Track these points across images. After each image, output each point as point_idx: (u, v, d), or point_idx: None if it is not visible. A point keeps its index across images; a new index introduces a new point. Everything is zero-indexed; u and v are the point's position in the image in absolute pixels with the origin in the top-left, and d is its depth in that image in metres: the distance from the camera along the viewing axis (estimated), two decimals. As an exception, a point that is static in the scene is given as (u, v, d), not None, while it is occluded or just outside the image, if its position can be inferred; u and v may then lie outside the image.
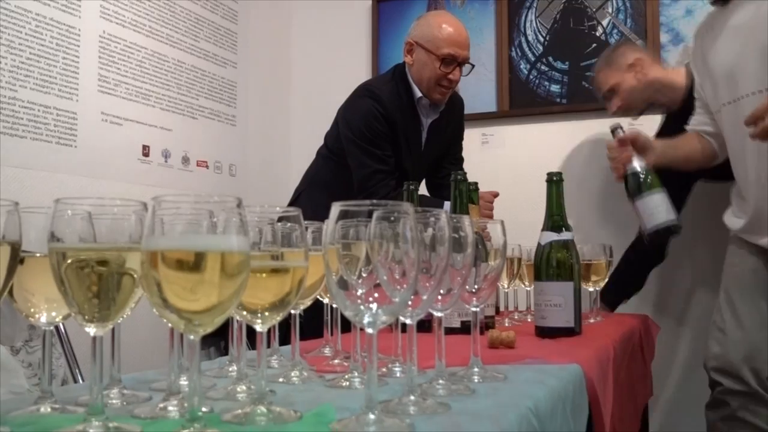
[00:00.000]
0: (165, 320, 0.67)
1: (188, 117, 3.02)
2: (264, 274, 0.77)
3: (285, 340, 1.33)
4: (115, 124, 2.66)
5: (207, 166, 3.13)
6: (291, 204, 2.65)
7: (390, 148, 2.41)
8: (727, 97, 2.00)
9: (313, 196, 2.55)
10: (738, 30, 1.96)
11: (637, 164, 2.06)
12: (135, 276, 0.72)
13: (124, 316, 0.86)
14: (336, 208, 0.76)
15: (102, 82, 2.61)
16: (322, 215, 2.24)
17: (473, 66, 2.50)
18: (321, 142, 2.69)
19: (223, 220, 0.66)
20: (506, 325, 1.90)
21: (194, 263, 0.63)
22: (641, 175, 2.04)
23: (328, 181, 2.55)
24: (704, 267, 2.82)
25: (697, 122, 2.21)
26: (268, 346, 1.24)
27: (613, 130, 2.16)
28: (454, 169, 2.72)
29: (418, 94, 2.46)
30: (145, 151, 2.79)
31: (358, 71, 3.42)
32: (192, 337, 0.65)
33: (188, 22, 3.04)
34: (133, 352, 1.68)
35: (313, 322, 1.26)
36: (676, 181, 2.51)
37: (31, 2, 2.35)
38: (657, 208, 2.00)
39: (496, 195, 2.42)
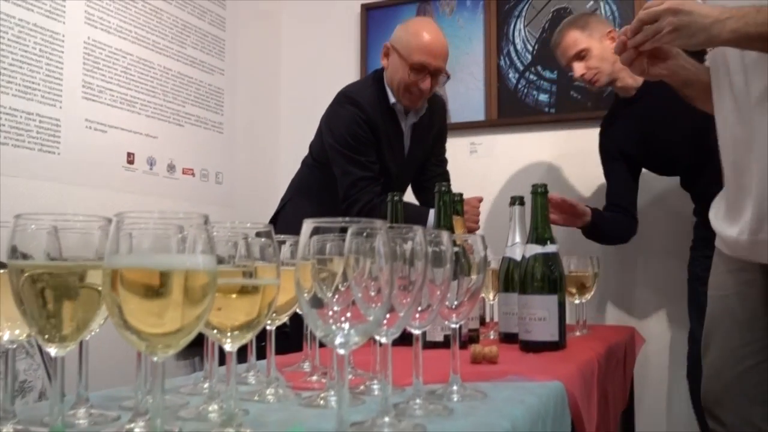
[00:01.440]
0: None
1: (174, 124, 3.00)
2: (233, 294, 0.74)
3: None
4: (99, 131, 2.63)
5: (193, 174, 3.10)
6: (277, 213, 2.63)
7: (374, 154, 2.39)
8: None
9: (299, 206, 2.53)
10: None
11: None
12: (100, 293, 0.69)
13: (92, 333, 0.85)
14: (308, 225, 0.74)
15: (86, 89, 2.58)
16: None
17: (448, 77, 2.47)
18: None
19: (188, 238, 0.64)
20: (491, 337, 1.88)
21: (156, 283, 0.60)
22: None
23: (314, 190, 2.54)
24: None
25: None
26: (245, 361, 1.22)
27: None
28: (438, 170, 2.71)
29: (392, 98, 2.45)
30: (130, 158, 2.77)
31: (347, 78, 3.40)
32: (155, 359, 0.63)
33: (175, 28, 3.02)
34: (107, 365, 1.65)
35: (301, 333, 1.25)
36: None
37: (14, 7, 2.33)
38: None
39: (480, 200, 2.41)
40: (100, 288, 0.67)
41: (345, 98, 2.46)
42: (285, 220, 2.52)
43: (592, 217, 2.43)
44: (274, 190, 3.29)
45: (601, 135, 2.68)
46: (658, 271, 2.89)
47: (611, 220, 2.52)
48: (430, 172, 2.66)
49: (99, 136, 2.63)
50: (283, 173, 3.24)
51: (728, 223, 1.59)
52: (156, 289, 0.60)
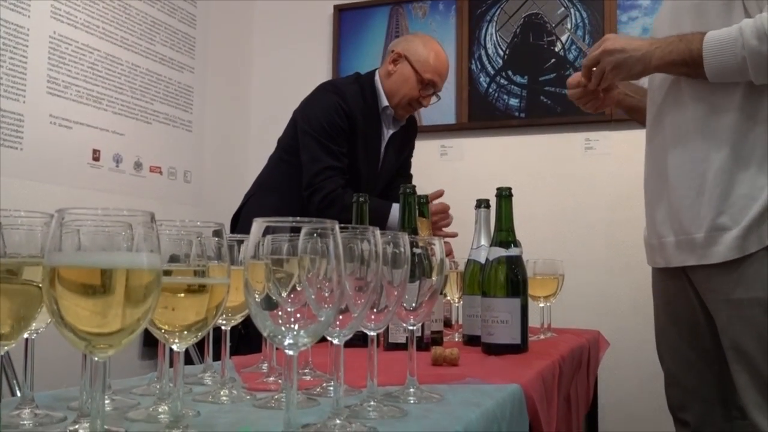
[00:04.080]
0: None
1: (142, 122, 2.96)
2: (181, 294, 0.73)
3: (236, 350, 1.28)
4: (63, 127, 2.59)
5: (161, 172, 3.06)
6: (240, 209, 2.60)
7: (346, 147, 2.38)
8: None
9: (263, 201, 2.51)
10: None
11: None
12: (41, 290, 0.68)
13: (38, 332, 0.83)
14: (259, 225, 0.73)
15: (51, 84, 2.54)
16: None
17: (439, 98, 2.55)
18: (280, 149, 2.65)
19: (133, 236, 0.63)
20: (456, 339, 1.88)
21: (96, 282, 0.59)
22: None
23: (279, 185, 2.51)
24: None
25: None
26: (202, 361, 1.20)
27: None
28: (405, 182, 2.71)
29: (385, 103, 2.45)
30: (96, 155, 2.73)
31: (319, 78, 3.37)
32: (96, 359, 0.62)
33: (144, 25, 2.98)
34: (58, 365, 1.61)
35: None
36: None
37: (-23, 0, 2.28)
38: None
39: (447, 208, 2.41)
40: (38, 287, 0.65)
41: (329, 86, 2.46)
42: (247, 216, 2.47)
43: None
44: (243, 190, 3.26)
45: None
46: (624, 273, 2.91)
47: None
48: (397, 183, 2.65)
49: (64, 132, 2.59)
50: (253, 172, 3.21)
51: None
52: (96, 287, 0.58)
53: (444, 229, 2.39)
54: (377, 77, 2.49)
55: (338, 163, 2.35)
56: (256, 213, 2.25)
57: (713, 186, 1.50)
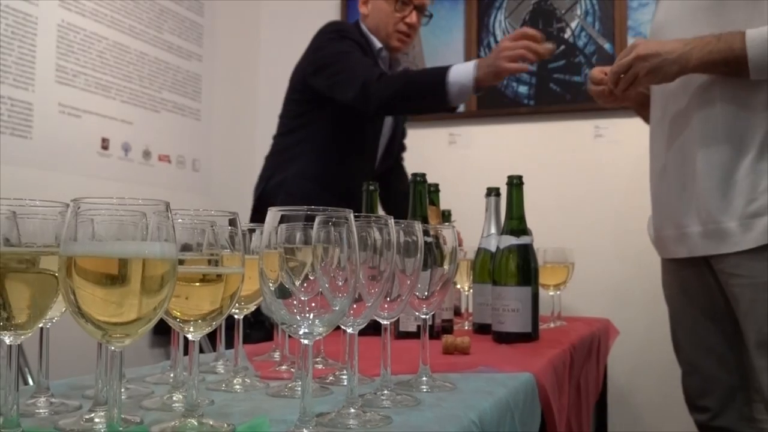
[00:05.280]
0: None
1: (150, 110, 2.96)
2: (196, 283, 0.73)
3: (247, 339, 1.28)
4: (73, 116, 2.59)
5: (169, 161, 3.06)
6: (263, 190, 2.42)
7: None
8: None
9: (297, 174, 2.31)
10: None
11: None
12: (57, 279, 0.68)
13: (53, 320, 0.83)
14: (274, 214, 0.73)
15: (60, 73, 2.54)
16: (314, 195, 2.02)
17: (431, 16, 2.43)
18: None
19: (148, 226, 0.62)
20: (465, 328, 1.88)
21: (113, 271, 0.59)
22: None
23: (309, 153, 2.32)
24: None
25: None
26: (214, 349, 1.21)
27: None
28: (398, 162, 2.62)
29: (378, 45, 2.36)
30: (105, 144, 2.73)
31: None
32: (113, 348, 0.62)
33: (152, 13, 2.98)
34: (73, 352, 1.62)
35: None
36: None
37: (-15, -12, 2.28)
38: None
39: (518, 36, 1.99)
40: (54, 276, 0.65)
41: (336, 25, 2.39)
42: (287, 194, 2.28)
43: None
44: (251, 178, 3.26)
45: None
46: (634, 261, 2.90)
47: None
48: (389, 156, 2.57)
49: (73, 121, 2.59)
50: (261, 161, 3.22)
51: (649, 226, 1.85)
52: (113, 277, 0.58)
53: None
54: (362, 25, 2.41)
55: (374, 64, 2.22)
56: (283, 184, 2.19)
57: (743, 177, 1.54)
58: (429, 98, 2.13)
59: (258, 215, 2.28)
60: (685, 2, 1.66)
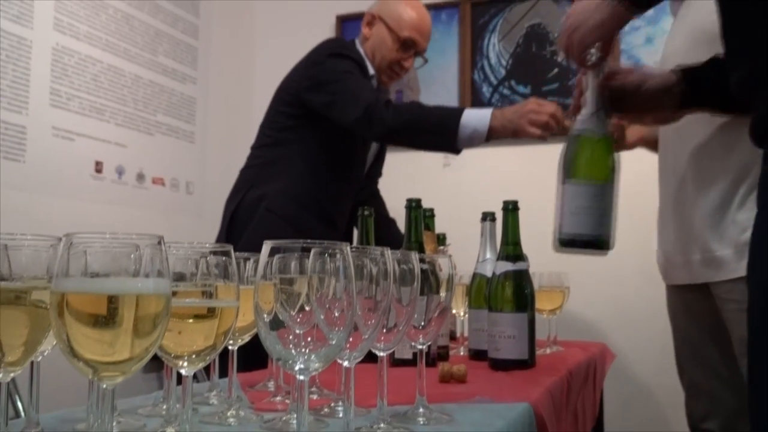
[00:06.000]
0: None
1: (144, 133, 2.95)
2: (189, 319, 0.72)
3: (242, 367, 1.26)
4: (66, 140, 2.58)
5: (163, 184, 3.05)
6: (239, 202, 2.29)
7: None
8: None
9: (276, 186, 2.23)
10: (681, 20, 1.74)
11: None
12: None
13: (44, 353, 0.81)
14: (268, 246, 0.72)
15: (54, 96, 2.53)
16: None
17: (426, 60, 2.38)
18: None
19: (142, 261, 0.61)
20: (461, 353, 1.86)
21: (105, 310, 0.58)
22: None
23: (294, 167, 2.24)
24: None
25: None
26: (208, 377, 1.19)
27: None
28: (372, 187, 2.56)
29: (371, 70, 2.31)
30: (98, 167, 2.72)
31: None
32: (104, 386, 0.60)
33: (147, 36, 2.98)
34: (63, 384, 1.60)
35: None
36: None
37: (-21, 12, 2.28)
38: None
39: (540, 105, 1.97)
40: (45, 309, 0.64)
41: (337, 44, 2.36)
42: (267, 209, 2.20)
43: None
44: (245, 201, 3.26)
45: None
46: (629, 284, 2.90)
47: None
48: (369, 182, 2.53)
49: (66, 145, 2.58)
50: (255, 184, 3.21)
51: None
52: (105, 315, 0.57)
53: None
54: (357, 43, 2.36)
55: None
56: (263, 199, 2.11)
57: (737, 207, 1.54)
58: (438, 136, 2.07)
59: (232, 229, 2.22)
60: (687, 36, 1.67)
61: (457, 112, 2.02)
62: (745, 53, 1.10)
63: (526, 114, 1.92)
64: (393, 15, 2.28)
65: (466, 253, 2.01)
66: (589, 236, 1.33)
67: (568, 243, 1.35)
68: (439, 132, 2.04)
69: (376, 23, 2.32)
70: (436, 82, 3.28)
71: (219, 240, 2.22)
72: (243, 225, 2.19)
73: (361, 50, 2.34)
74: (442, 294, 1.06)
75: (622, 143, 1.79)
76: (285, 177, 2.23)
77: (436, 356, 1.58)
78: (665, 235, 1.80)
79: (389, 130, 2.06)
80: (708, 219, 1.59)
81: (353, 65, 2.21)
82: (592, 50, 1.36)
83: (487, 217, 1.87)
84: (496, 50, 3.24)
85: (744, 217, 1.54)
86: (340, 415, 1.00)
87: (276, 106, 2.36)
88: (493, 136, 1.99)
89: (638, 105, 1.50)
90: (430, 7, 3.37)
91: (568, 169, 1.38)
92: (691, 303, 1.76)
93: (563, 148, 1.44)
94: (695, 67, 1.44)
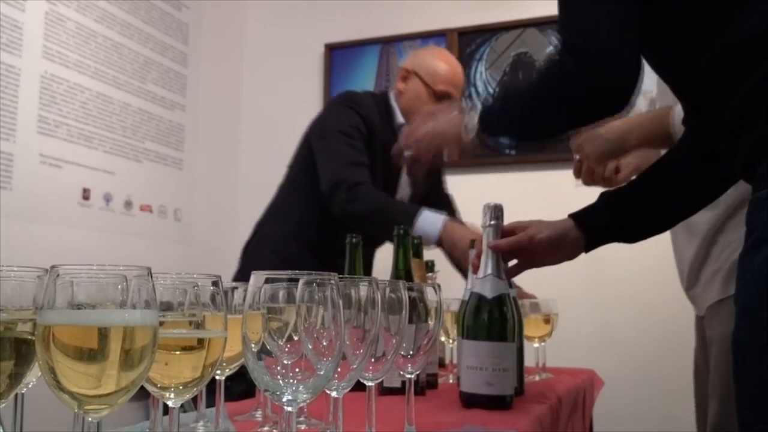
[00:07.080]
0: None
1: (132, 160, 2.95)
2: (177, 350, 0.71)
3: (228, 391, 1.25)
4: (54, 167, 2.57)
5: (151, 211, 3.05)
6: (252, 238, 2.42)
7: (366, 154, 2.24)
8: None
9: (276, 228, 2.34)
10: None
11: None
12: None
13: (29, 385, 0.81)
14: (258, 277, 0.72)
15: (42, 124, 2.53)
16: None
17: None
18: (270, 187, 2.61)
19: (129, 293, 0.61)
20: (450, 381, 1.85)
21: (92, 342, 0.57)
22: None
23: (293, 210, 2.35)
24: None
25: None
26: (195, 406, 1.18)
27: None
28: (440, 197, 2.56)
29: (401, 119, 2.35)
30: (86, 194, 2.71)
31: (310, 116, 3.39)
32: (89, 419, 0.60)
33: (136, 64, 2.99)
34: (52, 409, 1.58)
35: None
36: None
37: (-32, 40, 2.28)
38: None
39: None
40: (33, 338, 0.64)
41: (345, 95, 2.39)
42: (260, 244, 2.34)
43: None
44: (233, 228, 3.25)
45: None
46: (615, 309, 2.90)
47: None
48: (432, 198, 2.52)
49: (54, 172, 2.57)
50: (243, 211, 3.21)
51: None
52: (91, 348, 0.57)
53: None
54: (391, 95, 2.42)
55: (362, 159, 2.20)
56: (270, 240, 2.11)
57: (715, 243, 1.60)
58: (389, 234, 2.09)
59: (243, 268, 2.28)
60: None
61: (413, 212, 2.10)
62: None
63: (465, 252, 1.98)
64: (428, 70, 2.36)
65: (455, 280, 2.01)
66: (486, 396, 1.32)
67: (468, 400, 1.34)
68: (390, 230, 2.08)
69: (411, 78, 2.38)
70: (424, 110, 3.31)
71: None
72: (253, 258, 2.29)
73: (395, 105, 2.39)
74: (431, 322, 1.06)
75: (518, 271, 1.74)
76: (294, 219, 2.33)
77: (426, 384, 1.58)
78: (680, 266, 1.81)
79: (346, 214, 2.12)
80: (693, 257, 1.65)
81: (353, 124, 2.24)
82: (487, 218, 1.54)
83: (473, 244, 1.87)
84: (483, 78, 3.27)
85: (717, 252, 1.59)
86: (329, 445, 1.00)
87: (299, 147, 2.43)
88: (440, 245, 2.10)
89: (538, 255, 1.55)
90: (417, 36, 3.41)
91: (464, 327, 1.40)
92: (702, 332, 1.79)
93: (461, 302, 1.54)
94: (586, 211, 1.52)
